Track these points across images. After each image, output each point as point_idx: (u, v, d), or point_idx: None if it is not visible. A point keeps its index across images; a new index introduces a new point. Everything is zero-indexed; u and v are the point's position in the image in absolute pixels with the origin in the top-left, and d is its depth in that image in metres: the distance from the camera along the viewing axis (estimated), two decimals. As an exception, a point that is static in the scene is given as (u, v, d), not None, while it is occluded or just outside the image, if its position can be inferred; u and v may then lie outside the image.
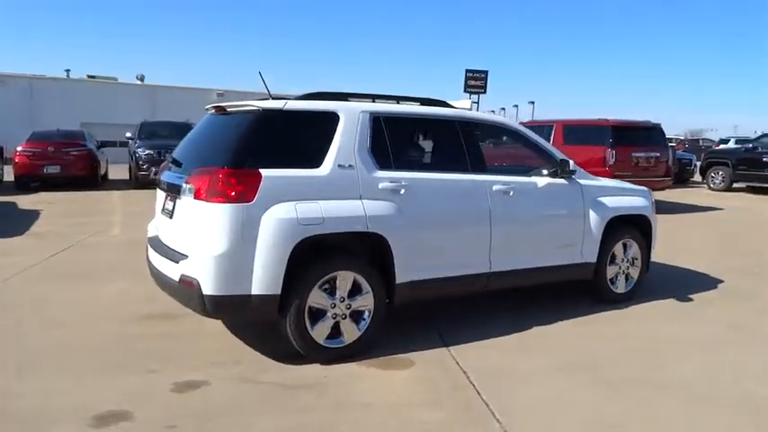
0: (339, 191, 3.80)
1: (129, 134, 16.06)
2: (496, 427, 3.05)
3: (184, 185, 3.75)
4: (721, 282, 6.21)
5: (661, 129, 12.17)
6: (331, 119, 3.92)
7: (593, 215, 5.04)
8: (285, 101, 3.87)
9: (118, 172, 17.52)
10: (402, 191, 3.99)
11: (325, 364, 3.79)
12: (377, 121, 4.06)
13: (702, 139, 37.55)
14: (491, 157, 5.13)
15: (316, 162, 3.79)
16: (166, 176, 4.27)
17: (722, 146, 28.91)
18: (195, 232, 3.60)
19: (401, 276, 3.99)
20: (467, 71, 61.27)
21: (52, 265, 6.49)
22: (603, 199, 5.15)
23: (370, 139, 3.99)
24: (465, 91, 60.43)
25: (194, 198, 3.62)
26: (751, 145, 17.24)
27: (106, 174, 15.92)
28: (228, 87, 33.13)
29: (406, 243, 3.96)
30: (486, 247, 4.42)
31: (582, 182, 5.04)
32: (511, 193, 4.52)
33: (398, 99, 4.40)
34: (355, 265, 3.86)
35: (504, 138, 4.78)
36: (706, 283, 6.16)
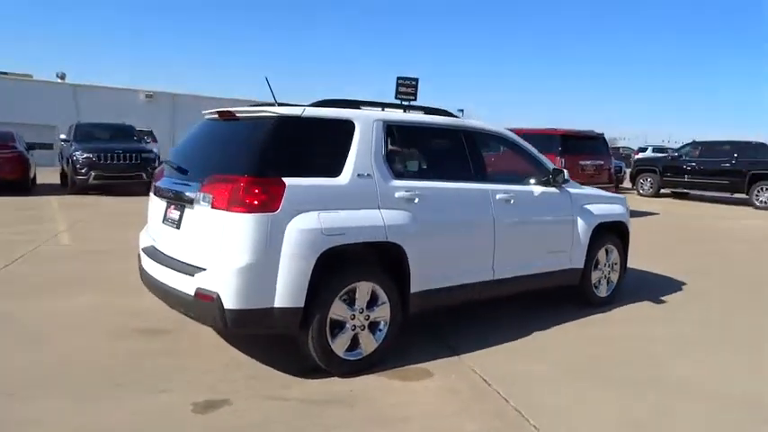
0: (358, 200, 3.74)
1: (63, 136, 15.10)
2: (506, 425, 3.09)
3: (197, 194, 3.56)
4: (684, 284, 6.59)
5: (604, 138, 12.81)
6: (347, 127, 3.86)
7: (581, 222, 5.22)
8: (302, 107, 3.77)
9: (45, 176, 16.47)
10: (416, 200, 3.98)
11: (344, 376, 3.71)
12: (389, 129, 4.04)
13: (622, 148, 39.68)
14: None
15: (335, 171, 3.72)
16: (167, 183, 4.05)
17: (641, 154, 30.77)
18: (214, 243, 3.44)
19: (415, 286, 3.98)
20: (398, 78, 62.22)
21: (8, 277, 5.99)
22: (589, 207, 5.35)
23: (384, 148, 3.96)
24: (396, 98, 61.17)
25: (212, 207, 3.45)
26: (676, 153, 18.45)
27: (35, 178, 14.88)
28: (159, 89, 31.77)
29: (420, 252, 3.95)
30: (490, 254, 4.48)
31: (571, 190, 5.21)
32: (511, 202, 4.61)
33: (405, 108, 4.39)
34: (373, 275, 3.80)
35: (500, 147, 4.86)
36: (670, 285, 6.50)
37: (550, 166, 5.11)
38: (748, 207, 15.62)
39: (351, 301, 3.72)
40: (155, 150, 15.21)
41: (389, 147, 4.01)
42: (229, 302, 3.33)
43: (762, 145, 17.10)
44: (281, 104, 4.08)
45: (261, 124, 3.67)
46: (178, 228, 3.78)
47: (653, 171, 18.23)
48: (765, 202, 15.55)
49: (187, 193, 3.70)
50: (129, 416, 3.16)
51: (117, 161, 13.40)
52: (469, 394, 3.56)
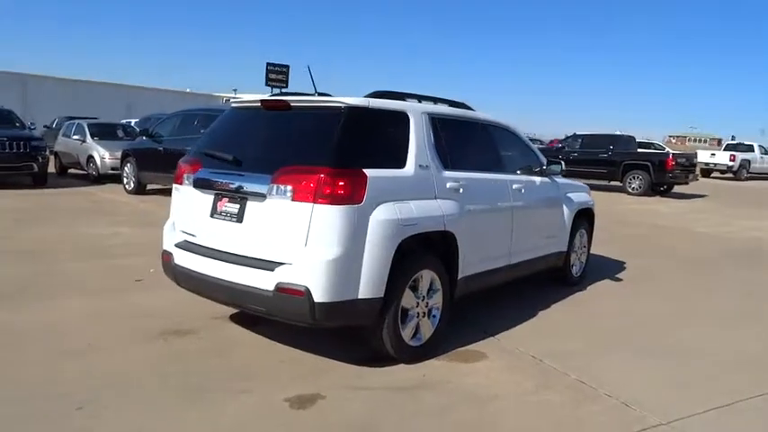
0: (420, 191, 3.84)
1: None
2: (614, 402, 3.43)
3: (271, 186, 3.44)
4: (624, 262, 7.37)
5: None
6: (404, 119, 3.92)
7: (565, 209, 5.71)
8: (367, 99, 3.76)
9: None
10: (461, 190, 4.14)
11: (408, 363, 3.80)
12: (434, 121, 4.15)
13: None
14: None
15: (401, 162, 3.78)
16: (212, 175, 3.82)
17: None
18: (297, 236, 3.35)
19: (461, 272, 4.16)
20: (268, 64, 60.72)
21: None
22: (570, 195, 5.86)
23: (434, 140, 4.07)
24: (266, 84, 59.52)
25: (292, 200, 3.36)
26: (560, 145, 20.16)
27: None
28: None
29: (465, 240, 4.13)
30: (509, 240, 4.78)
31: (558, 180, 5.66)
32: (522, 191, 4.94)
33: (435, 100, 4.51)
34: (432, 263, 3.92)
35: (506, 139, 5.15)
36: (614, 265, 7.24)
37: (543, 157, 5.51)
38: (623, 193, 17.54)
39: (415, 290, 3.82)
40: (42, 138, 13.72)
41: (437, 138, 4.12)
42: (319, 296, 3.29)
43: (631, 138, 19.25)
44: (320, 94, 4.05)
45: (331, 114, 3.60)
46: (239, 221, 3.61)
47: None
48: (637, 189, 17.55)
49: (250, 186, 3.56)
50: (234, 418, 3.04)
51: (2, 150, 11.91)
52: (532, 371, 3.83)
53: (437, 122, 4.18)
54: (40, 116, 23.18)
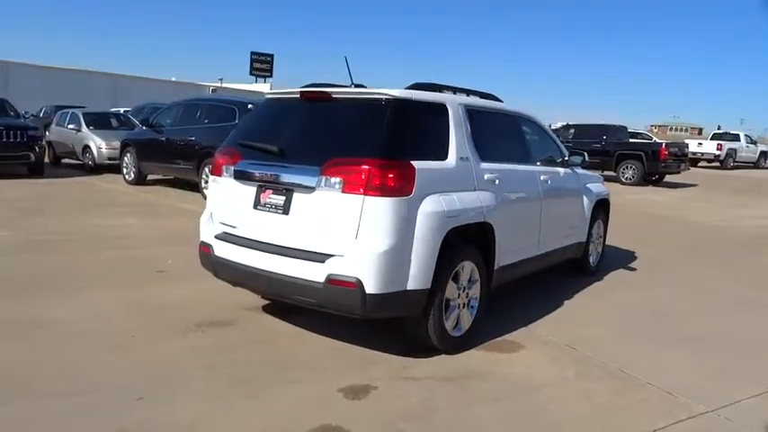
0: (462, 183, 3.87)
1: None
2: (656, 390, 3.50)
3: (320, 178, 3.44)
4: (633, 252, 7.48)
5: None
6: (443, 111, 3.94)
7: (585, 200, 5.78)
8: (409, 91, 3.77)
9: None
10: (497, 181, 4.18)
11: (450, 353, 3.85)
12: (470, 113, 4.17)
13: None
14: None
15: (443, 154, 3.80)
16: (255, 167, 3.81)
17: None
18: (348, 228, 3.36)
19: (497, 263, 4.21)
20: (252, 54, 60.13)
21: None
22: (589, 185, 5.93)
23: (471, 132, 4.10)
24: (251, 74, 59.21)
25: (343, 192, 3.37)
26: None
27: None
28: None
29: (502, 231, 4.17)
30: (538, 231, 4.83)
31: (578, 171, 5.72)
32: (549, 182, 4.99)
33: (468, 92, 4.53)
34: (471, 254, 3.96)
35: (532, 130, 5.19)
36: (625, 255, 7.35)
37: (564, 148, 5.56)
38: (616, 183, 17.73)
39: (456, 281, 3.85)
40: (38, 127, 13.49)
41: (473, 130, 4.14)
42: (371, 287, 3.32)
43: (624, 128, 19.44)
44: (357, 86, 4.05)
45: (376, 106, 3.61)
46: (285, 213, 3.61)
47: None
48: (630, 179, 17.76)
49: (297, 178, 3.56)
50: (291, 407, 3.06)
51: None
52: (569, 360, 3.89)
53: (473, 114, 4.20)
54: (23, 105, 22.72)
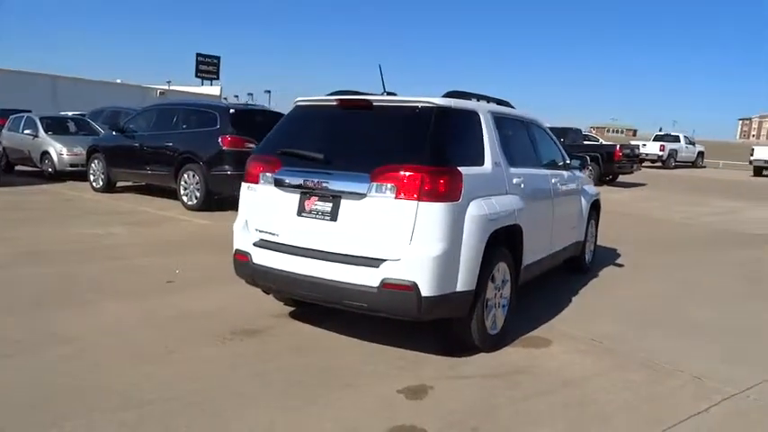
0: (496, 187, 4.02)
1: None
2: (687, 376, 3.75)
3: (370, 184, 3.52)
4: (615, 249, 7.85)
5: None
6: (477, 118, 4.08)
7: (583, 201, 6.06)
8: (448, 99, 3.89)
9: None
10: (522, 185, 4.36)
11: (489, 351, 3.99)
12: (496, 120, 4.34)
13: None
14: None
15: (480, 160, 3.94)
16: (297, 174, 3.82)
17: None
18: (402, 233, 3.45)
19: (523, 263, 4.39)
20: (198, 55, 58.79)
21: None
22: (585, 187, 6.21)
23: (499, 138, 4.26)
24: (197, 76, 57.96)
25: (396, 198, 3.46)
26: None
27: None
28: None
29: (528, 232, 4.35)
30: (551, 231, 5.05)
31: (577, 173, 6.00)
32: (558, 185, 5.23)
33: (488, 99, 4.68)
34: (505, 256, 4.12)
35: (541, 135, 5.41)
36: (609, 253, 7.69)
37: (565, 152, 5.83)
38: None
39: (493, 281, 4.00)
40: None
41: (501, 136, 4.31)
42: (426, 290, 3.42)
43: (579, 130, 20.20)
44: (389, 93, 4.16)
45: (421, 114, 3.71)
46: (333, 220, 3.66)
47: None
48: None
49: (345, 185, 3.62)
50: (358, 412, 3.13)
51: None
52: (598, 353, 4.11)
53: (499, 121, 4.37)
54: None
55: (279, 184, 3.91)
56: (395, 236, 3.48)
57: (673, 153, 29.38)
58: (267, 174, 3.98)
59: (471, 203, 3.64)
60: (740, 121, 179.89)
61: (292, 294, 3.96)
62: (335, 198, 3.68)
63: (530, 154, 4.93)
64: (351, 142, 3.94)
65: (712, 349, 4.29)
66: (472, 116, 4.05)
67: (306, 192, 3.80)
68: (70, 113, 19.17)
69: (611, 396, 3.44)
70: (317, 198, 3.76)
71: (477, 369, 3.74)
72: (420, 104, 3.76)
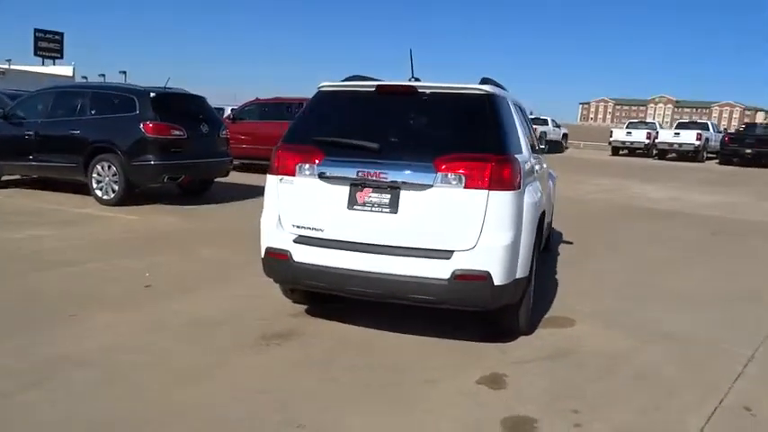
0: (531, 174, 4.11)
1: None
2: (704, 344, 4.12)
3: (436, 174, 3.41)
4: (560, 233, 8.30)
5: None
6: (509, 106, 4.11)
7: (550, 183, 6.36)
8: (491, 86, 3.86)
9: None
10: (537, 170, 4.49)
11: (527, 334, 4.08)
12: (515, 107, 4.41)
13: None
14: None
15: (519, 147, 3.97)
16: (350, 166, 3.59)
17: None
18: (473, 223, 3.40)
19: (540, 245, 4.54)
20: (36, 31, 52.57)
21: None
22: (550, 170, 6.52)
23: (520, 125, 4.33)
24: (36, 54, 51.94)
25: (465, 187, 3.39)
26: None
27: None
28: None
29: (545, 215, 4.49)
30: (550, 213, 5.26)
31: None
32: (545, 168, 5.46)
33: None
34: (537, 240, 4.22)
35: (528, 119, 5.58)
36: (555, 236, 8.13)
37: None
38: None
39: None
40: None
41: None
42: (498, 279, 3.42)
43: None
44: (416, 79, 4.08)
45: (474, 102, 3.67)
46: (394, 212, 3.50)
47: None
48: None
49: (406, 175, 3.48)
50: (450, 406, 3.08)
51: None
52: (619, 328, 4.32)
53: (517, 108, 4.44)
54: None
55: (323, 176, 3.66)
56: (465, 226, 3.42)
57: (543, 135, 31.73)
58: (306, 165, 3.70)
59: (526, 191, 3.68)
60: (581, 105, 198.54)
61: (342, 292, 3.75)
62: (394, 189, 3.52)
63: (533, 139, 5.07)
64: (400, 130, 3.79)
65: (711, 318, 4.67)
66: (507, 104, 4.07)
67: (357, 183, 3.59)
68: None
69: (662, 369, 3.66)
70: (371, 190, 3.57)
71: (530, 353, 3.80)
72: (473, 92, 3.71)
